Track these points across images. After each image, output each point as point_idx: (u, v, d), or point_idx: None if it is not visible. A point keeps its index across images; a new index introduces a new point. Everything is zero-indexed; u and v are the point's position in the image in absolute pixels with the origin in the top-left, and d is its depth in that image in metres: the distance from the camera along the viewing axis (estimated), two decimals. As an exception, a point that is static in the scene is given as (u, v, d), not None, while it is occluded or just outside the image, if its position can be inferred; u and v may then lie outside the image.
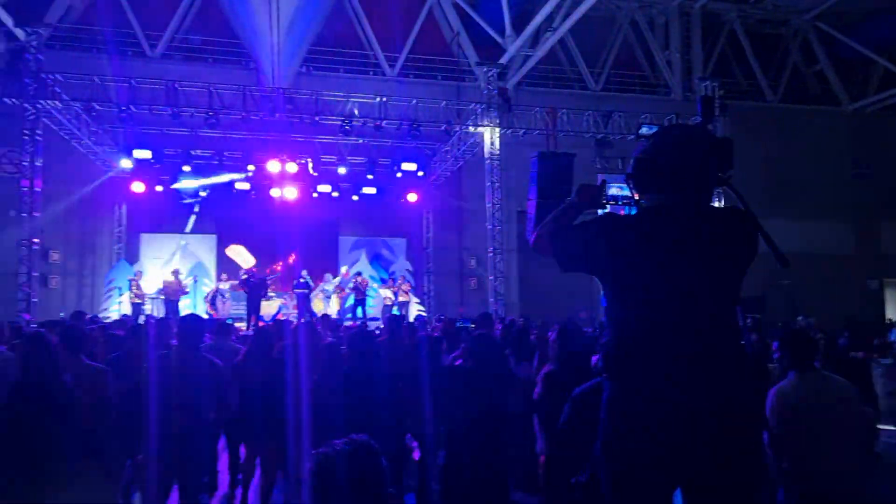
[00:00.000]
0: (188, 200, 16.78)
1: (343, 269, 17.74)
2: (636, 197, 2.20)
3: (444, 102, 15.52)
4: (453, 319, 9.82)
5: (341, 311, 16.48)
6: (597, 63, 20.82)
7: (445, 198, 19.21)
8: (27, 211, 13.16)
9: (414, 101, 14.98)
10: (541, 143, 15.32)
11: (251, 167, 16.09)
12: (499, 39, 18.26)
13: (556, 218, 2.30)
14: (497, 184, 15.58)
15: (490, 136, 15.45)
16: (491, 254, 15.58)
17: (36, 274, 13.40)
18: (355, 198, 17.77)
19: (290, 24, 15.38)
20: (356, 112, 14.59)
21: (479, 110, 15.43)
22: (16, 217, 13.59)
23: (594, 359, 3.91)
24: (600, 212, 2.33)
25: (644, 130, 13.68)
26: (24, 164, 13.29)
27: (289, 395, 4.93)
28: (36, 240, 13.32)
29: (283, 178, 16.13)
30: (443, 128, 15.32)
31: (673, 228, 2.03)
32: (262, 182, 16.52)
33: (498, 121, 15.36)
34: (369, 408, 4.31)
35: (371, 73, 19.27)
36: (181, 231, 17.55)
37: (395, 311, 16.38)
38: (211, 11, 17.29)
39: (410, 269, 18.84)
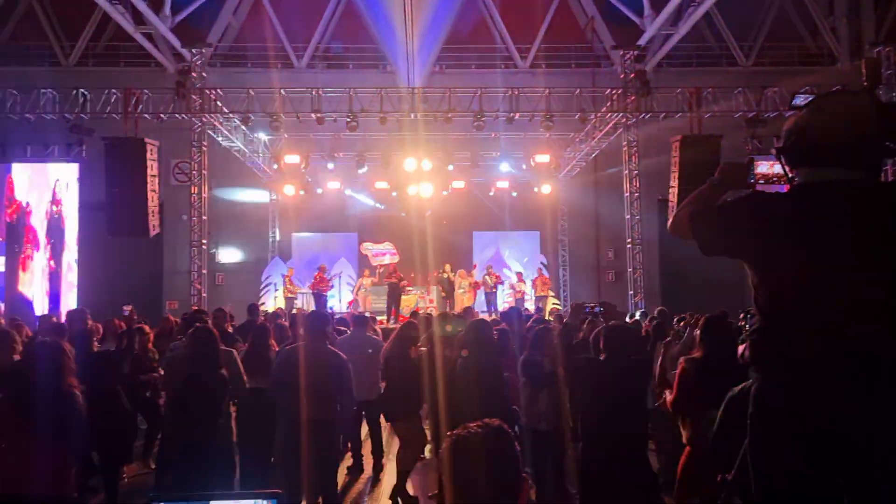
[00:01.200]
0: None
1: (474, 265, 17.92)
2: (789, 173, 1.95)
3: (578, 90, 15.10)
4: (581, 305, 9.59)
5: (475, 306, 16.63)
6: (747, 37, 19.21)
7: (580, 189, 18.74)
8: (197, 215, 14.65)
9: (546, 92, 14.72)
10: (683, 127, 14.41)
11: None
12: (636, 20, 17.43)
13: (696, 198, 2.11)
14: (635, 172, 14.92)
15: (627, 122, 14.81)
16: (629, 245, 14.95)
17: (205, 271, 14.89)
18: (491, 192, 17.86)
19: (423, 25, 15.76)
20: (480, 107, 14.61)
21: (616, 96, 14.84)
22: (187, 221, 15.21)
23: (741, 349, 3.62)
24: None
25: (798, 101, 12.31)
26: (194, 173, 14.81)
27: (426, 382, 5.11)
28: (204, 241, 14.80)
29: (418, 175, 16.58)
30: (577, 116, 14.91)
31: (830, 206, 1.78)
32: (399, 180, 17.11)
33: (636, 105, 14.67)
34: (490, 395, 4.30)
35: (502, 66, 19.24)
36: (326, 230, 18.68)
37: (528, 304, 16.28)
38: (350, 21, 18.22)
39: (545, 262, 18.59)
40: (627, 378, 4.13)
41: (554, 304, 17.03)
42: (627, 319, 9.39)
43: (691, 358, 4.39)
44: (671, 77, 17.28)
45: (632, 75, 14.81)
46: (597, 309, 10.78)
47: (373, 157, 16.71)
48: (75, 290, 15.12)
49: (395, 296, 15.19)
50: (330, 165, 16.81)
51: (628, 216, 14.98)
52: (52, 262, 15.26)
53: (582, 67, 18.83)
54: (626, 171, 14.95)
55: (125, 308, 11.38)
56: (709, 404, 3.51)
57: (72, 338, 5.61)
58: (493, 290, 16.54)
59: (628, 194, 14.95)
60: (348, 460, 6.96)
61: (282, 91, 14.33)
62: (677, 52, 17.81)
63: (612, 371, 4.13)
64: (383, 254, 17.75)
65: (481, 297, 16.85)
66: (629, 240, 14.92)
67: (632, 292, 14.83)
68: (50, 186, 15.31)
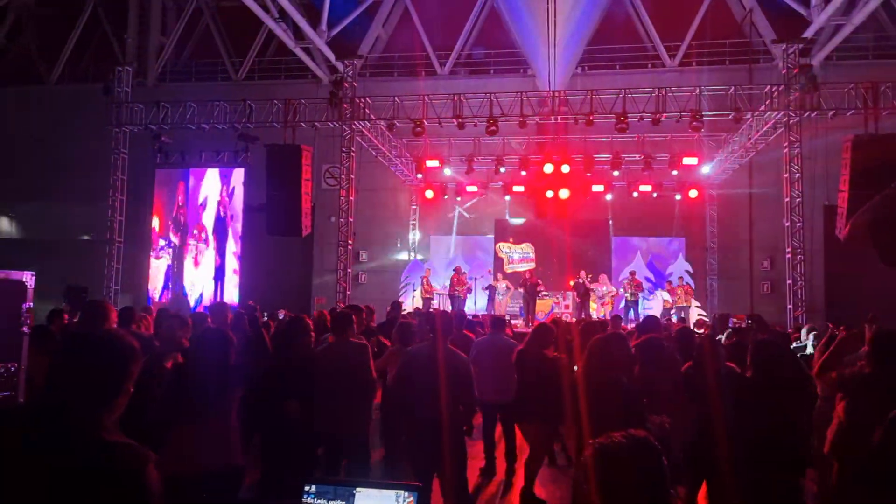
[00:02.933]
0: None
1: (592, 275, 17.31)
2: None
3: (733, 88, 14.12)
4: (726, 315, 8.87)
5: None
6: (935, 23, 16.96)
7: (732, 193, 17.50)
8: (344, 217, 15.50)
9: (696, 91, 13.93)
10: (855, 125, 13.00)
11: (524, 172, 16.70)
12: (802, 11, 15.99)
13: (875, 206, 1.89)
14: (798, 174, 13.67)
15: (789, 121, 13.62)
16: (789, 254, 13.71)
17: (349, 271, 15.71)
18: (636, 193, 17.22)
19: (566, 27, 15.54)
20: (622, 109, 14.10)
21: (777, 93, 13.69)
22: (335, 222, 16.15)
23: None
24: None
25: None
26: (342, 177, 15.70)
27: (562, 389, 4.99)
28: (350, 241, 15.62)
29: (557, 179, 16.35)
30: (730, 116, 13.96)
31: None
32: (536, 184, 16.99)
33: (800, 103, 13.45)
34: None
35: (649, 65, 18.49)
36: (464, 233, 19.00)
37: (672, 315, 15.48)
38: (492, 27, 18.43)
39: (690, 270, 17.56)
40: (774, 398, 3.77)
41: (700, 315, 16.03)
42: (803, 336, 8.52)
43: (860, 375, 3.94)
44: (842, 71, 15.67)
45: (795, 70, 13.60)
46: (744, 323, 10.01)
47: (511, 161, 16.74)
48: (237, 284, 16.59)
49: (530, 299, 15.10)
50: (468, 170, 17.07)
51: (787, 223, 13.75)
52: (217, 258, 16.87)
53: (737, 64, 17.61)
54: (787, 174, 13.73)
55: (280, 313, 12.27)
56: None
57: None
58: (635, 298, 15.91)
59: (788, 199, 13.72)
60: (482, 462, 6.99)
61: (425, 97, 14.78)
62: (849, 43, 16.11)
63: (756, 389, 3.81)
64: (519, 260, 17.74)
65: (621, 304, 16.28)
66: (789, 248, 13.68)
67: (791, 305, 13.58)
68: (219, 189, 16.94)
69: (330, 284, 16.05)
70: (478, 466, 6.86)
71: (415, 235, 19.37)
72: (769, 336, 6.67)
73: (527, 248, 18.12)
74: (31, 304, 3.21)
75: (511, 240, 18.34)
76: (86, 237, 18.62)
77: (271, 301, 14.32)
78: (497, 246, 18.37)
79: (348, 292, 15.48)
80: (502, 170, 16.93)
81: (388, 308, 11.62)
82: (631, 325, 13.82)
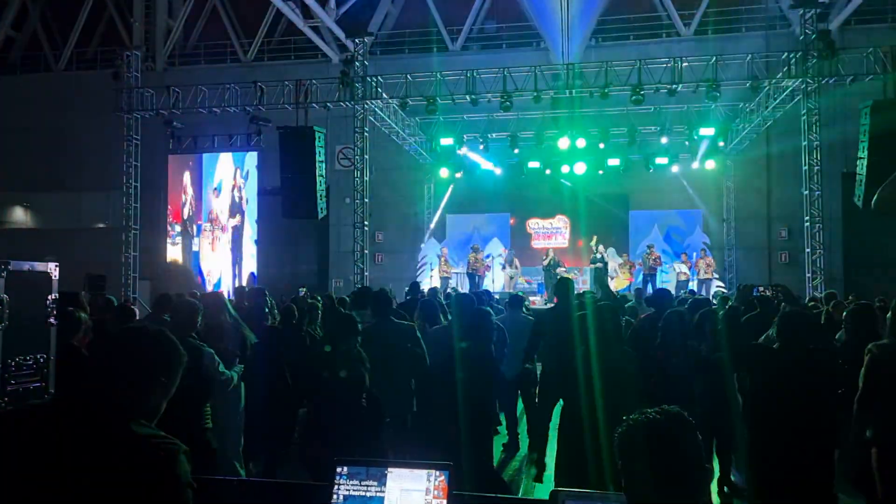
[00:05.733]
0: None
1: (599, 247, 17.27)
2: None
3: (749, 56, 13.90)
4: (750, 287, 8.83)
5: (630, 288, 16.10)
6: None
7: (749, 162, 17.34)
8: (359, 198, 15.45)
9: (713, 59, 13.72)
10: (874, 91, 12.80)
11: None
12: (818, -26, 15.66)
13: None
14: (816, 142, 13.50)
15: (808, 88, 13.43)
16: (807, 223, 13.62)
17: (366, 251, 15.71)
18: (650, 169, 17.09)
19: (578, -1, 15.30)
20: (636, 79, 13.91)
21: (794, 60, 13.47)
22: (350, 203, 16.11)
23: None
24: None
25: None
26: (356, 157, 15.61)
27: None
28: (366, 222, 15.60)
29: (572, 153, 16.23)
30: (747, 85, 13.77)
31: None
32: (552, 159, 16.87)
33: (818, 69, 13.23)
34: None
35: (664, 35, 18.21)
36: (479, 211, 18.94)
37: (691, 286, 15.45)
38: (504, 0, 18.13)
39: (708, 242, 17.48)
40: (803, 369, 3.76)
41: (718, 286, 16.00)
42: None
43: (882, 344, 3.92)
44: (860, 36, 15.40)
45: (813, 36, 13.36)
46: (768, 292, 9.94)
47: (526, 136, 16.60)
48: (255, 267, 16.64)
49: (550, 277, 15.10)
50: (482, 146, 16.95)
51: (806, 191, 13.62)
52: (234, 243, 16.91)
53: (753, 31, 17.32)
54: (805, 142, 13.57)
55: (300, 289, 12.27)
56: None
57: (251, 314, 6.13)
58: (653, 271, 15.87)
59: (807, 167, 13.57)
60: (505, 438, 7.08)
61: (437, 74, 14.62)
62: (867, 6, 15.80)
63: (785, 361, 3.80)
64: (550, 235, 17.74)
65: (639, 278, 16.25)
66: (807, 217, 13.58)
67: (810, 274, 13.52)
68: (233, 173, 16.92)
69: (347, 266, 16.07)
70: (501, 443, 6.95)
71: (430, 214, 19.32)
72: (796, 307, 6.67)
73: (557, 223, 18.09)
74: (57, 294, 3.22)
75: (538, 215, 18.31)
76: (101, 225, 18.68)
77: (290, 284, 14.33)
78: (529, 221, 18.33)
79: (366, 273, 15.50)
80: (517, 147, 16.80)
81: (407, 288, 11.67)
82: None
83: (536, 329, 6.38)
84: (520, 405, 7.29)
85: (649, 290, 15.52)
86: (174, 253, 17.26)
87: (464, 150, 17.14)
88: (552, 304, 7.98)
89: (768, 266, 17.39)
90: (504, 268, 16.96)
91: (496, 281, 16.99)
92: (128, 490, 1.54)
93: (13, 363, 3.02)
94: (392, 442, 4.74)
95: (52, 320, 3.23)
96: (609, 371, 3.86)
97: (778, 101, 14.45)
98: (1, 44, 20.26)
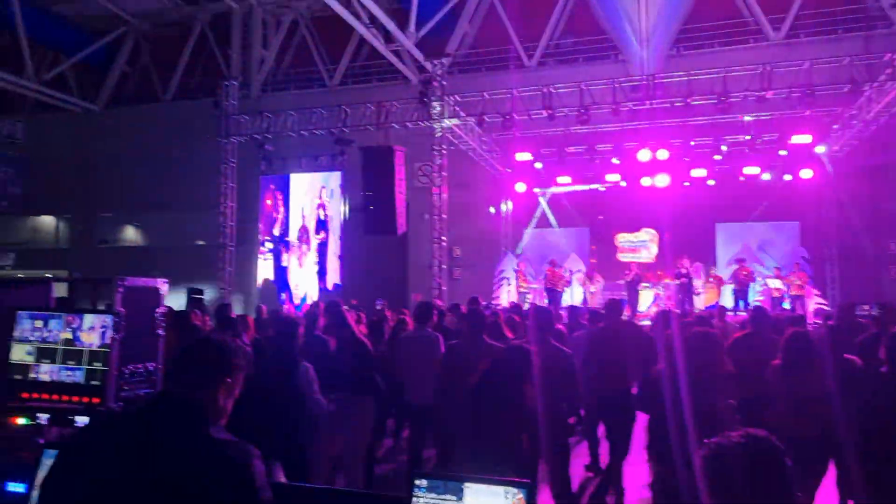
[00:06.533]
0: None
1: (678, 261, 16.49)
2: None
3: (848, 59, 13.07)
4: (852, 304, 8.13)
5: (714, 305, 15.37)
6: None
7: (851, 171, 16.18)
8: (437, 214, 15.72)
9: (806, 64, 13.01)
10: None
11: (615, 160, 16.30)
12: (924, -33, 14.55)
13: None
14: (927, 148, 12.46)
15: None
16: (921, 236, 12.54)
17: (444, 267, 15.92)
18: (742, 177, 16.34)
19: (659, 7, 14.97)
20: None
21: (897, 61, 12.55)
22: (428, 220, 16.41)
23: None
24: None
25: None
26: (434, 174, 15.92)
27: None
28: (444, 238, 15.83)
29: (654, 166, 15.81)
30: (846, 89, 12.94)
31: None
32: (632, 172, 16.50)
33: (926, 69, 12.25)
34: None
35: (751, 41, 17.44)
36: (557, 225, 18.78)
37: (785, 304, 14.57)
38: (581, 14, 18.02)
39: (806, 256, 16.42)
40: None
41: (818, 303, 14.97)
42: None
43: None
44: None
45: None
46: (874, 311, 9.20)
47: (604, 149, 16.34)
48: (339, 282, 17.25)
49: (633, 292, 14.72)
50: (560, 160, 16.82)
51: (918, 202, 12.57)
52: (319, 259, 17.61)
53: (851, 32, 16.26)
54: (914, 149, 12.57)
55: (378, 302, 12.63)
56: None
57: (331, 325, 6.43)
58: (744, 286, 15.08)
59: (917, 175, 12.54)
60: (586, 459, 6.92)
61: (514, 91, 14.71)
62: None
63: (892, 385, 3.54)
64: (636, 249, 17.32)
65: (727, 293, 15.51)
66: (919, 229, 12.52)
67: (923, 291, 12.43)
68: (319, 192, 17.68)
69: (425, 280, 16.35)
70: (582, 464, 6.78)
71: (507, 229, 19.35)
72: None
73: (643, 235, 17.61)
74: (165, 308, 3.58)
75: (621, 229, 17.93)
76: (201, 242, 20.00)
77: (371, 298, 14.74)
78: (617, 236, 17.98)
79: (443, 288, 15.69)
80: (595, 160, 16.59)
81: (467, 303, 11.67)
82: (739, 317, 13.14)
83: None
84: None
85: (740, 306, 14.83)
86: (265, 268, 18.19)
87: (541, 165, 17.09)
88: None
89: (876, 281, 16.08)
90: (584, 283, 16.68)
91: (575, 296, 16.71)
92: (206, 491, 1.65)
93: (127, 371, 3.39)
94: (464, 456, 4.82)
95: (160, 331, 3.60)
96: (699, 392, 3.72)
97: (883, 104, 13.47)
98: (117, 79, 22.28)
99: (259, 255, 18.22)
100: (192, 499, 1.64)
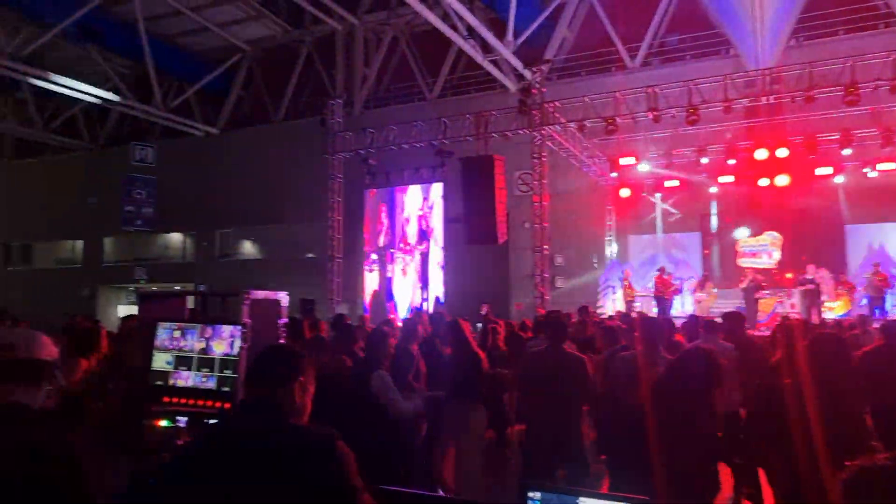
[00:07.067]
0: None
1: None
2: None
3: None
4: None
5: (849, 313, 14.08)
6: None
7: None
8: (538, 222, 15.53)
9: (949, 46, 11.73)
10: None
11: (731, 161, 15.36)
12: None
13: None
14: None
15: None
16: None
17: (546, 275, 15.68)
18: (874, 173, 14.96)
19: (773, -3, 14.06)
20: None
21: None
22: (529, 228, 16.25)
23: None
24: None
25: None
26: (535, 182, 15.76)
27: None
28: (546, 246, 15.60)
29: (772, 165, 14.79)
30: None
31: None
32: (748, 173, 15.52)
33: None
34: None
35: (881, 26, 15.96)
36: (665, 231, 17.99)
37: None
38: (686, 9, 17.24)
39: (955, 260, 14.75)
40: None
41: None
42: None
43: None
44: None
45: None
46: None
47: (716, 150, 15.50)
48: (442, 293, 17.43)
49: (750, 300, 13.81)
50: (667, 164, 16.13)
51: None
52: (422, 269, 17.88)
53: None
54: None
55: (482, 307, 12.63)
56: None
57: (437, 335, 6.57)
58: (880, 293, 13.75)
59: None
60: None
61: (617, 94, 14.30)
62: None
63: None
64: (756, 253, 16.28)
65: (863, 302, 14.19)
66: None
67: None
68: (420, 204, 17.98)
69: (527, 289, 16.17)
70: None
71: (612, 236, 18.78)
72: None
73: (765, 239, 16.47)
74: (287, 319, 3.80)
75: (738, 233, 16.91)
76: (311, 255, 20.91)
77: (474, 308, 14.77)
78: (739, 242, 16.99)
79: (546, 297, 15.46)
80: (704, 160, 15.76)
81: (576, 311, 11.41)
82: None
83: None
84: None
85: (876, 315, 13.51)
86: (371, 279, 18.72)
87: (647, 168, 16.46)
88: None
89: None
90: (694, 291, 15.85)
91: (686, 304, 15.91)
92: (299, 474, 1.85)
93: (252, 379, 3.70)
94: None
95: (282, 341, 3.82)
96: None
97: None
98: (233, 103, 23.84)
99: (364, 267, 18.78)
100: (289, 483, 1.83)
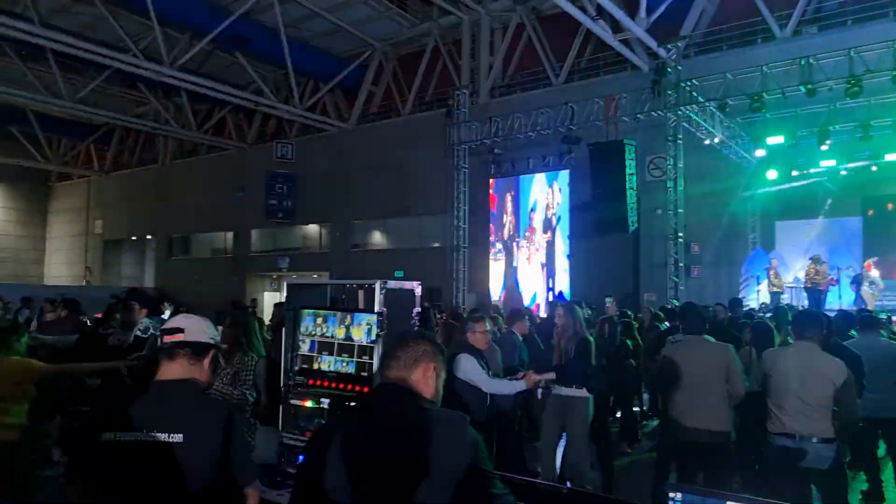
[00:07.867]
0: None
1: None
2: None
3: None
4: None
5: None
6: None
7: None
8: (672, 209, 14.74)
9: None
10: None
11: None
12: None
13: None
14: None
15: None
16: None
17: (681, 265, 14.85)
18: None
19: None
20: None
21: None
22: (661, 215, 15.44)
23: None
24: None
25: None
26: (669, 167, 14.95)
27: None
28: (680, 234, 14.77)
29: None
30: None
31: None
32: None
33: None
34: None
35: None
36: (818, 216, 16.37)
37: None
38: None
39: None
40: None
41: None
42: None
43: None
44: None
45: None
46: None
47: (882, 124, 13.83)
48: (567, 280, 17.07)
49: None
50: (824, 147, 14.55)
51: None
52: (547, 258, 17.61)
53: None
54: None
55: (607, 300, 12.18)
56: None
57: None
58: None
59: None
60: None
61: (763, 67, 13.17)
62: None
63: None
64: None
65: None
66: None
67: None
68: (546, 192, 17.69)
69: (659, 279, 15.41)
70: (859, 489, 5.96)
71: (755, 222, 17.38)
72: None
73: None
74: (420, 308, 3.94)
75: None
76: (437, 244, 21.30)
77: (601, 297, 14.33)
78: None
79: (681, 287, 14.68)
80: (870, 138, 14.08)
81: (727, 304, 10.68)
82: None
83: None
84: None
85: None
86: (496, 268, 18.74)
87: (797, 148, 15.02)
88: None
89: None
90: (854, 283, 14.30)
91: (843, 297, 14.39)
92: (436, 450, 1.94)
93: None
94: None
95: (415, 328, 3.95)
96: None
97: None
98: (364, 98, 24.75)
99: (490, 256, 18.83)
100: (427, 465, 1.90)
